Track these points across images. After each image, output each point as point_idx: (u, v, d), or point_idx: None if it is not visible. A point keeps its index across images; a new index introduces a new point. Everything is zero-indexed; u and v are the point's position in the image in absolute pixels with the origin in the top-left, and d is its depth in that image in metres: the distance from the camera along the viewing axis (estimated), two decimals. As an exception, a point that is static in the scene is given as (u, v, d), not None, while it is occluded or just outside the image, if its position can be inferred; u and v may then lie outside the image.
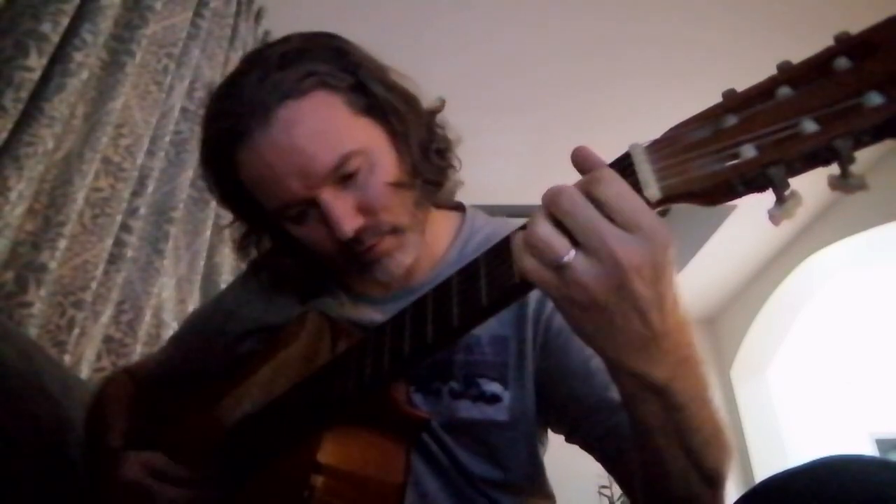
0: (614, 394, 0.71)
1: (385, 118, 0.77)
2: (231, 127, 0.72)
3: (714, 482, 0.58)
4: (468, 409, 0.75)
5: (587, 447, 0.76)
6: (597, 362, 0.73)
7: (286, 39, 0.77)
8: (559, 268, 0.45)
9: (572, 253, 0.45)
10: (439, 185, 0.83)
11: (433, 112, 0.85)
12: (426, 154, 0.81)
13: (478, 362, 0.76)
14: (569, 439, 0.79)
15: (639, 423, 0.54)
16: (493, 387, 0.75)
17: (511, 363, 0.76)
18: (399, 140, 0.77)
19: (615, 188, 0.44)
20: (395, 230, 0.75)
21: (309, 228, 0.75)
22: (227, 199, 0.84)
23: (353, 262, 0.76)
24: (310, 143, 0.70)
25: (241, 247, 0.90)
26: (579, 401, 0.74)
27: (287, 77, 0.72)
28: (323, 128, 0.72)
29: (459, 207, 0.92)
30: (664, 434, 0.53)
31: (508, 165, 3.36)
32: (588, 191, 0.45)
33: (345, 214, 0.71)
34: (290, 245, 0.83)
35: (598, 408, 0.72)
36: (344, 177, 0.72)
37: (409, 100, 0.81)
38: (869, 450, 4.65)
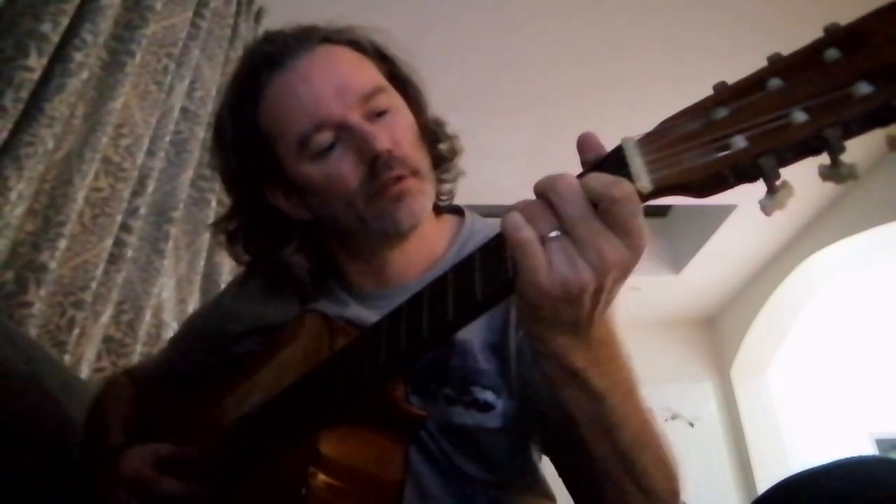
0: None
1: (404, 90, 0.83)
2: (274, 49, 0.77)
3: (650, 493, 0.58)
4: (461, 416, 0.75)
5: (552, 461, 0.75)
6: None
7: None
8: (547, 240, 0.46)
9: (557, 233, 0.46)
10: (448, 159, 0.87)
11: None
12: (435, 129, 0.86)
13: (471, 370, 0.76)
14: (544, 452, 0.79)
15: (563, 412, 0.55)
16: (487, 395, 0.75)
17: (502, 370, 0.76)
18: (415, 110, 0.83)
19: (626, 189, 0.44)
20: (417, 172, 0.76)
21: (330, 162, 0.74)
22: (233, 153, 0.82)
23: (374, 198, 0.74)
24: (348, 68, 0.77)
25: (230, 238, 0.87)
26: (545, 413, 0.73)
27: (324, 28, 0.80)
28: (359, 64, 0.79)
29: (458, 211, 0.93)
30: (588, 426, 0.54)
31: (508, 165, 3.36)
32: (598, 189, 0.45)
33: (378, 132, 0.73)
34: (284, 232, 0.84)
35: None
36: (373, 112, 0.75)
37: (419, 85, 0.86)
38: (869, 450, 4.65)
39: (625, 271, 0.46)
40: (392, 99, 0.78)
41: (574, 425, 0.55)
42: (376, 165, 0.73)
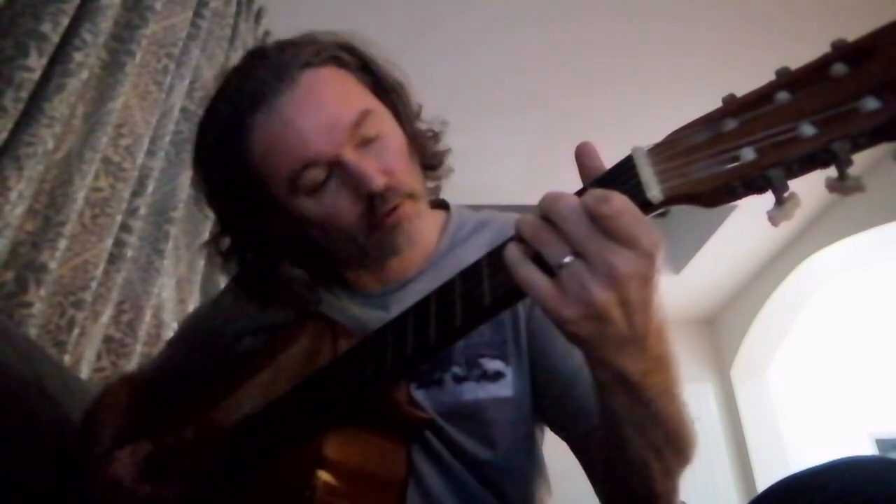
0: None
1: (389, 99, 0.83)
2: (254, 88, 0.75)
3: (672, 474, 0.61)
4: (473, 391, 0.76)
5: (566, 440, 0.79)
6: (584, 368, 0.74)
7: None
8: (559, 268, 0.46)
9: (569, 258, 0.46)
10: (436, 166, 0.88)
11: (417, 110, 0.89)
12: (422, 137, 0.87)
13: (477, 343, 0.78)
14: (552, 428, 0.82)
15: (608, 412, 0.56)
16: (496, 364, 0.77)
17: (509, 339, 0.78)
18: (402, 119, 0.83)
19: (617, 205, 0.44)
20: (413, 195, 0.78)
21: (326, 198, 0.75)
22: (222, 188, 0.83)
23: (373, 230, 0.76)
24: (333, 101, 0.75)
25: (225, 258, 0.89)
26: (560, 398, 0.76)
27: (303, 49, 0.78)
28: (344, 90, 0.78)
29: (444, 206, 0.95)
30: (631, 425, 0.55)
31: (508, 165, 3.36)
32: (590, 206, 0.45)
33: (372, 169, 0.73)
34: (280, 246, 0.85)
35: (578, 411, 0.74)
36: (363, 141, 0.75)
37: (404, 87, 0.86)
38: (869, 450, 4.66)
39: (645, 278, 0.45)
40: (380, 121, 0.77)
41: (618, 426, 0.56)
42: (373, 200, 0.74)
